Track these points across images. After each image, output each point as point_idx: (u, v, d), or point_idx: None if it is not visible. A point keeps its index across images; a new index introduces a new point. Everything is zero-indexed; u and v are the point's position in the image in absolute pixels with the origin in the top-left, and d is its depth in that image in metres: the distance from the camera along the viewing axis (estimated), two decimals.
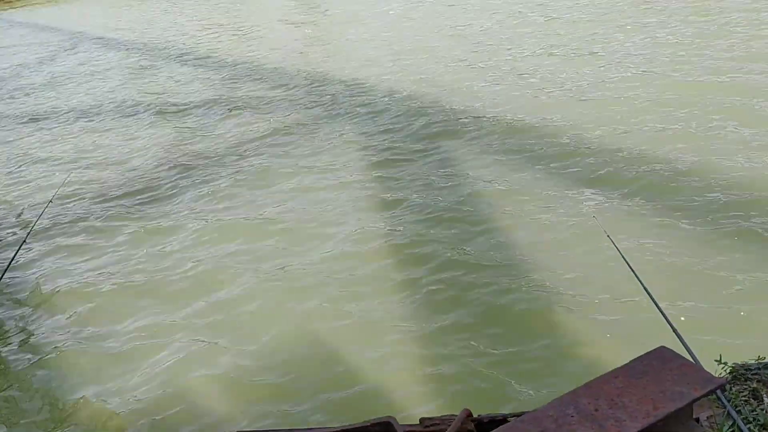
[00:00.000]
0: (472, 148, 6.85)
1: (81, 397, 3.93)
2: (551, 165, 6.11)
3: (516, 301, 4.20)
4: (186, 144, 8.63)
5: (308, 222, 5.73)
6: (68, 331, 4.66)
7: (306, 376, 3.80)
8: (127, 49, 19.02)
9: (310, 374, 3.82)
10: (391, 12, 16.94)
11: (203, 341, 4.29)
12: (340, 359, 3.91)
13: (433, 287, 4.45)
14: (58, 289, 5.22)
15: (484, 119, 7.59)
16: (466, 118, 7.76)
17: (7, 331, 4.80)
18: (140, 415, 3.68)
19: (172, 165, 7.82)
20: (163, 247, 5.68)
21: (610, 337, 3.75)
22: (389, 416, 1.63)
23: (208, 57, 15.18)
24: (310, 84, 10.82)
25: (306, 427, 1.44)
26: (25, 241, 4.44)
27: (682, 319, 3.65)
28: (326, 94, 10.02)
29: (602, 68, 8.90)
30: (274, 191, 6.53)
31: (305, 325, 4.29)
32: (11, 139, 10.80)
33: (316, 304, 4.49)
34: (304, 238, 5.43)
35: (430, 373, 3.70)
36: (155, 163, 7.97)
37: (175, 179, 7.31)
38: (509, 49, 10.56)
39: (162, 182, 7.27)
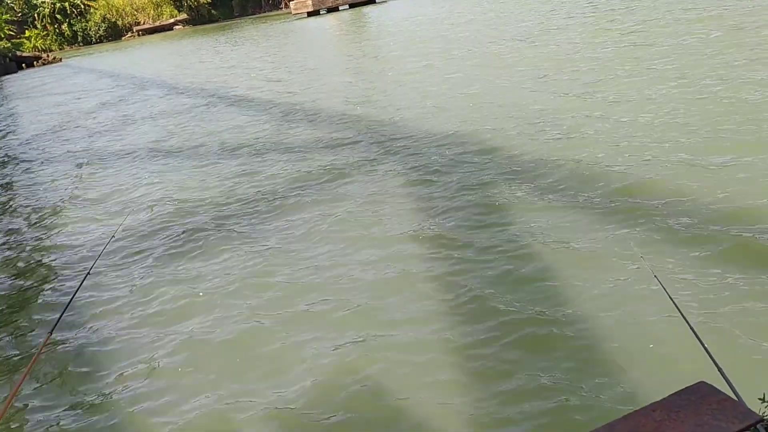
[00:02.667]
0: (525, 191, 6.88)
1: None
2: (607, 205, 6.11)
3: (560, 333, 4.23)
4: (245, 181, 8.94)
5: (356, 266, 5.85)
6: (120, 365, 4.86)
7: (360, 408, 3.90)
8: (188, 93, 19.83)
9: (364, 406, 3.91)
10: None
11: (274, 373, 4.42)
12: (397, 394, 3.99)
13: (482, 326, 4.50)
14: (121, 312, 5.48)
15: (537, 162, 7.64)
16: (515, 161, 7.82)
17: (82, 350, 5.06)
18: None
19: (232, 201, 8.12)
20: (216, 278, 5.88)
21: (650, 372, 3.73)
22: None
23: (267, 101, 15.70)
24: (362, 126, 11.09)
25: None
26: (89, 272, 4.69)
27: (725, 356, 3.61)
28: (374, 135, 10.25)
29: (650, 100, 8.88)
30: (323, 231, 6.69)
31: (358, 357, 4.38)
32: (76, 174, 11.38)
33: (368, 335, 4.58)
34: (358, 271, 5.55)
35: (481, 404, 3.74)
36: (218, 199, 8.29)
37: (235, 215, 7.58)
38: (583, 94, 10.56)
39: (224, 217, 7.55)
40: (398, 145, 9.40)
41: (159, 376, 4.63)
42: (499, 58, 14.82)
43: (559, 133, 8.42)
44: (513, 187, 6.89)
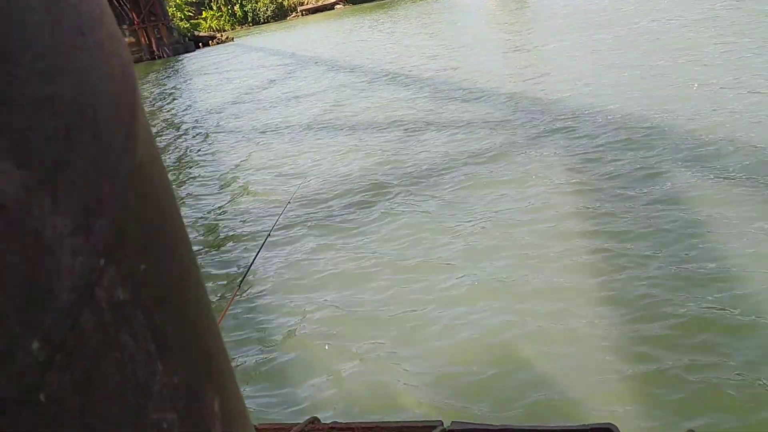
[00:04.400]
0: (702, 178, 6.54)
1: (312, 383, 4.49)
2: None
3: (724, 315, 4.07)
4: (404, 156, 9.24)
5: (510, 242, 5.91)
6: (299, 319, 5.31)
7: (514, 376, 4.01)
8: (349, 70, 20.62)
9: (519, 375, 4.02)
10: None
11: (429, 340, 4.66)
12: (551, 363, 4.07)
13: (651, 322, 4.42)
14: (291, 279, 5.97)
15: (722, 144, 7.21)
16: (688, 145, 7.43)
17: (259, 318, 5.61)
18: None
19: (391, 175, 8.45)
20: (373, 250, 6.20)
21: None
22: (610, 423, 1.64)
23: (425, 78, 15.95)
24: (522, 104, 10.99)
25: (521, 425, 1.58)
26: (268, 236, 5.13)
27: None
28: (534, 114, 10.12)
29: None
30: (474, 210, 6.79)
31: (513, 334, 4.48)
32: (250, 147, 12.33)
33: (524, 319, 4.66)
34: (508, 256, 5.62)
35: (640, 380, 3.72)
36: (379, 172, 8.68)
37: (394, 189, 7.88)
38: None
39: (383, 190, 7.90)
40: (559, 125, 9.23)
41: (322, 337, 5.01)
42: (673, 39, 13.93)
43: (736, 115, 7.85)
44: (688, 174, 6.56)
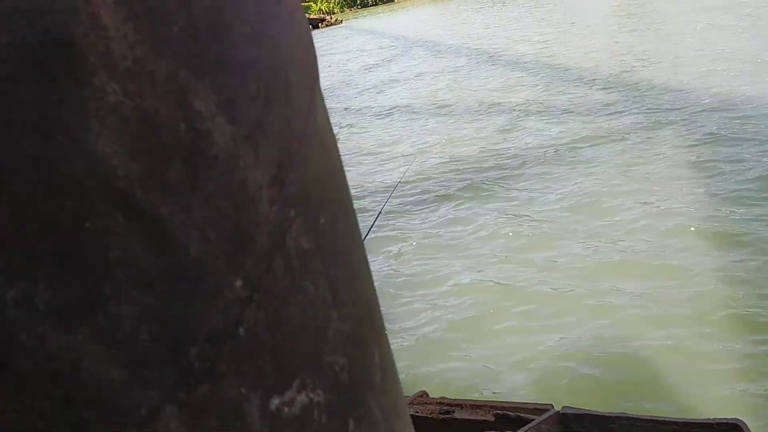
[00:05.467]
0: None
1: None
2: None
3: None
4: (509, 139, 9.12)
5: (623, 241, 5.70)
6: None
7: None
8: (453, 53, 20.46)
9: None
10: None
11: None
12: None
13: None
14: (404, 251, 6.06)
15: None
16: None
17: None
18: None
19: (496, 159, 8.36)
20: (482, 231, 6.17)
21: None
22: (737, 419, 1.58)
23: (530, 60, 15.58)
24: (634, 89, 10.52)
25: (639, 415, 1.53)
26: (380, 212, 5.22)
27: None
28: (647, 100, 9.65)
29: None
30: (580, 198, 6.59)
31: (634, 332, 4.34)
32: (363, 128, 12.54)
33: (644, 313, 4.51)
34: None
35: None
36: (484, 155, 8.61)
37: (499, 172, 7.80)
38: None
39: (489, 173, 7.84)
40: (675, 114, 8.75)
41: (438, 311, 5.05)
42: None
43: None
44: None
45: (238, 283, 0.37)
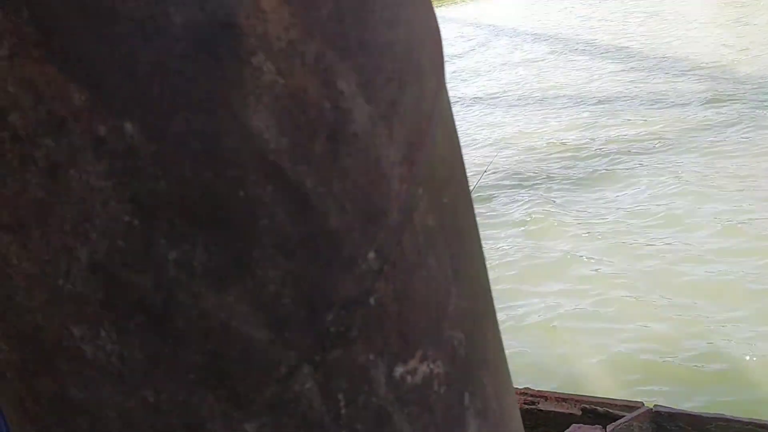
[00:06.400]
0: None
1: None
2: None
3: None
4: (598, 131, 8.87)
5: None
6: None
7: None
8: (538, 41, 19.99)
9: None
10: None
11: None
12: None
13: None
14: None
15: None
16: None
17: None
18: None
19: (583, 150, 8.15)
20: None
21: None
22: None
23: (619, 50, 15.04)
24: (734, 83, 9.97)
25: (736, 417, 1.47)
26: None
27: None
28: (750, 95, 9.13)
29: None
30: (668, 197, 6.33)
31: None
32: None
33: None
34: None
35: None
36: (570, 146, 8.42)
37: (587, 163, 7.61)
38: None
39: (574, 165, 7.67)
40: None
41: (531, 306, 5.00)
42: None
43: None
44: None
45: (371, 254, 0.39)
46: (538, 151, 8.57)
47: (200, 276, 0.36)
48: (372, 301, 0.39)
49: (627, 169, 7.23)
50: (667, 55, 13.16)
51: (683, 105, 9.27)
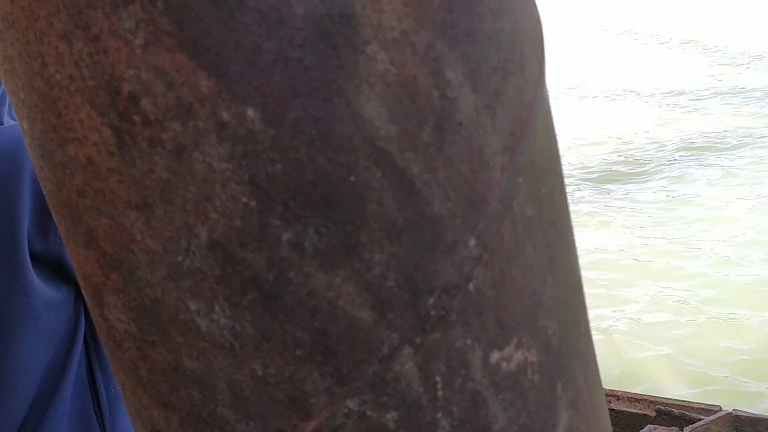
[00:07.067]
0: None
1: None
2: None
3: None
4: (669, 129, 8.59)
5: None
6: None
7: None
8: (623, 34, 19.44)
9: None
10: None
11: None
12: None
13: None
14: None
15: None
16: None
17: None
18: None
19: (650, 148, 7.91)
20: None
21: None
22: None
23: (699, 42, 14.46)
24: None
25: None
26: None
27: None
28: None
29: None
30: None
31: None
32: None
33: None
34: None
35: None
36: (639, 143, 8.18)
37: (659, 162, 7.39)
38: None
39: (645, 162, 7.45)
40: None
41: None
42: None
43: None
44: None
45: (472, 241, 0.40)
46: (613, 146, 8.37)
47: (310, 256, 0.37)
48: (471, 286, 0.40)
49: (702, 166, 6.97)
50: (745, 49, 12.58)
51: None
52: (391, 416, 0.40)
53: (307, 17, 0.34)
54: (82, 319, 1.00)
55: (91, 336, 1.02)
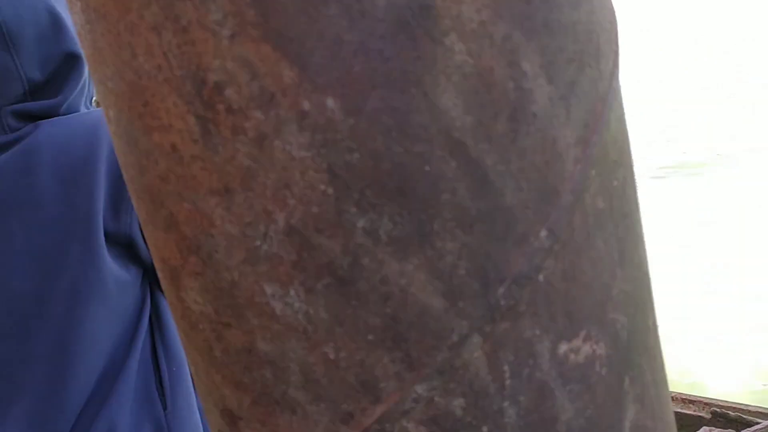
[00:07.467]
0: None
1: None
2: None
3: None
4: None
5: None
6: None
7: None
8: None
9: None
10: None
11: None
12: None
13: None
14: None
15: None
16: None
17: None
18: None
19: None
20: None
21: None
22: None
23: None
24: None
25: None
26: None
27: None
28: None
29: None
30: None
31: None
32: None
33: None
34: None
35: None
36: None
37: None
38: None
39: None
40: None
41: None
42: None
43: None
44: None
45: (543, 233, 0.40)
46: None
47: (384, 244, 0.38)
48: (541, 277, 0.40)
49: None
50: None
51: None
52: (458, 403, 0.40)
53: (388, 9, 0.35)
54: (148, 300, 1.04)
55: (155, 316, 1.06)
